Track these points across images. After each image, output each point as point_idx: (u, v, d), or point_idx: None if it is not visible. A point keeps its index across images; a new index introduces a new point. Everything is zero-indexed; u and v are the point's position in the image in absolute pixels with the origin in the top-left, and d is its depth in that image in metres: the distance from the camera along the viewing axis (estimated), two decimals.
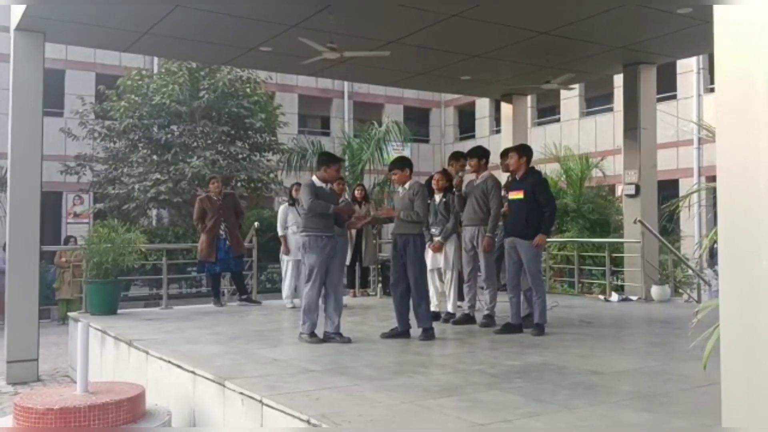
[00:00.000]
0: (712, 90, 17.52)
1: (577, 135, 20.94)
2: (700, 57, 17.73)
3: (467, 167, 7.57)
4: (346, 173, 15.87)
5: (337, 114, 25.04)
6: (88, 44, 10.26)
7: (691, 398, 4.06)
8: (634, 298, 9.69)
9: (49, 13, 7.53)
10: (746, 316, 2.22)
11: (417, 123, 25.79)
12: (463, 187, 7.43)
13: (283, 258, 9.08)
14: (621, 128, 10.84)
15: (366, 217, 8.01)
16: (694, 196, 8.88)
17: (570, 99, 21.01)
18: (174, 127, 16.89)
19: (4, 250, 8.49)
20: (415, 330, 6.32)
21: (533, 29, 8.24)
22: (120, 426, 4.04)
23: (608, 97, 19.65)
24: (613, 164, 16.68)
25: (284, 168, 17.87)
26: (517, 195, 6.66)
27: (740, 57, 2.25)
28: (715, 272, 9.06)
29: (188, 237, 14.90)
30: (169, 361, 5.36)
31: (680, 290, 11.31)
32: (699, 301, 9.79)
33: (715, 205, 2.35)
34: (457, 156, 7.81)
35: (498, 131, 17.52)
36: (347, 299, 9.28)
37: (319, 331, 6.18)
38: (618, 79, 11.65)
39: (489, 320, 7.03)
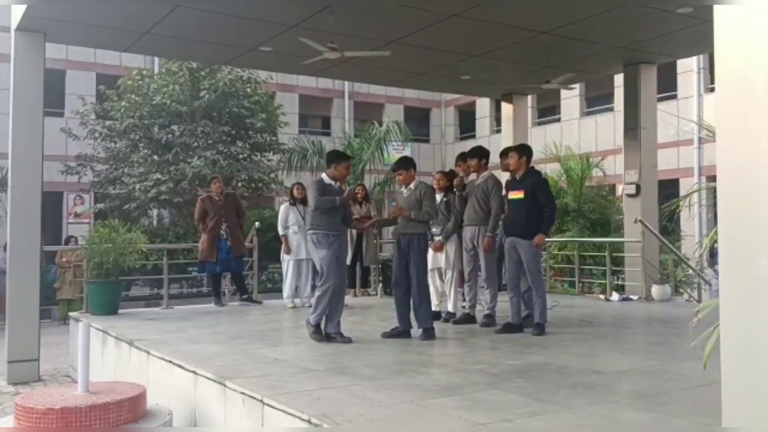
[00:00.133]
0: (712, 89, 17.51)
1: (577, 135, 20.95)
2: (701, 56, 17.73)
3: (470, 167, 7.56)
4: None
5: (338, 114, 25.05)
6: (88, 44, 10.26)
7: (692, 398, 4.06)
8: (634, 297, 9.69)
9: (50, 13, 7.54)
10: (746, 315, 2.22)
11: (417, 123, 25.80)
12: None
13: (284, 258, 9.08)
14: (621, 128, 10.84)
15: (370, 218, 7.97)
16: (695, 195, 8.90)
17: (570, 99, 21.01)
18: (175, 127, 16.90)
19: (5, 250, 8.48)
20: (416, 329, 6.32)
21: (533, 29, 8.24)
22: (121, 426, 4.04)
23: (609, 97, 19.65)
24: (613, 164, 16.69)
25: (285, 168, 17.90)
26: (517, 195, 6.67)
27: (740, 57, 2.25)
28: (716, 272, 9.06)
29: (189, 237, 14.92)
30: (170, 361, 5.37)
31: (681, 290, 11.31)
32: (699, 300, 9.78)
33: (715, 204, 2.35)
34: (464, 157, 7.81)
35: (498, 131, 17.51)
36: (348, 299, 9.28)
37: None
38: (618, 79, 11.65)
39: (489, 320, 7.03)
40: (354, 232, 9.48)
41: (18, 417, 4.02)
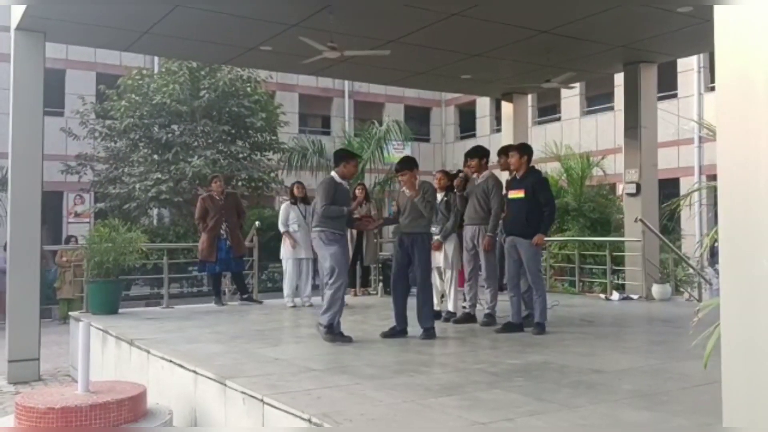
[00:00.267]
0: (712, 88, 17.52)
1: (577, 134, 20.95)
2: (701, 56, 17.72)
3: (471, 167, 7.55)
4: None
5: (338, 113, 25.04)
6: (88, 44, 10.26)
7: (692, 397, 4.07)
8: (634, 296, 9.69)
9: (50, 12, 7.53)
10: (747, 315, 2.22)
11: (418, 122, 25.79)
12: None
13: (284, 257, 9.09)
14: (622, 127, 10.83)
15: (371, 218, 7.96)
16: (695, 194, 8.89)
17: (570, 98, 21.00)
18: (174, 127, 16.90)
19: (5, 249, 8.49)
20: (416, 329, 6.32)
21: (533, 28, 8.24)
22: (121, 425, 4.04)
23: (609, 96, 19.64)
24: (613, 163, 16.69)
25: (285, 167, 17.88)
26: (517, 194, 6.67)
27: (740, 57, 2.25)
28: (716, 271, 9.07)
29: (189, 236, 14.92)
30: (171, 361, 5.37)
31: (681, 289, 11.31)
32: (700, 299, 9.79)
33: (715, 204, 2.35)
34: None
35: (499, 130, 17.50)
36: (348, 298, 9.28)
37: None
38: (618, 78, 11.64)
39: (490, 319, 7.04)
40: (354, 231, 9.48)
41: (18, 416, 4.02)
